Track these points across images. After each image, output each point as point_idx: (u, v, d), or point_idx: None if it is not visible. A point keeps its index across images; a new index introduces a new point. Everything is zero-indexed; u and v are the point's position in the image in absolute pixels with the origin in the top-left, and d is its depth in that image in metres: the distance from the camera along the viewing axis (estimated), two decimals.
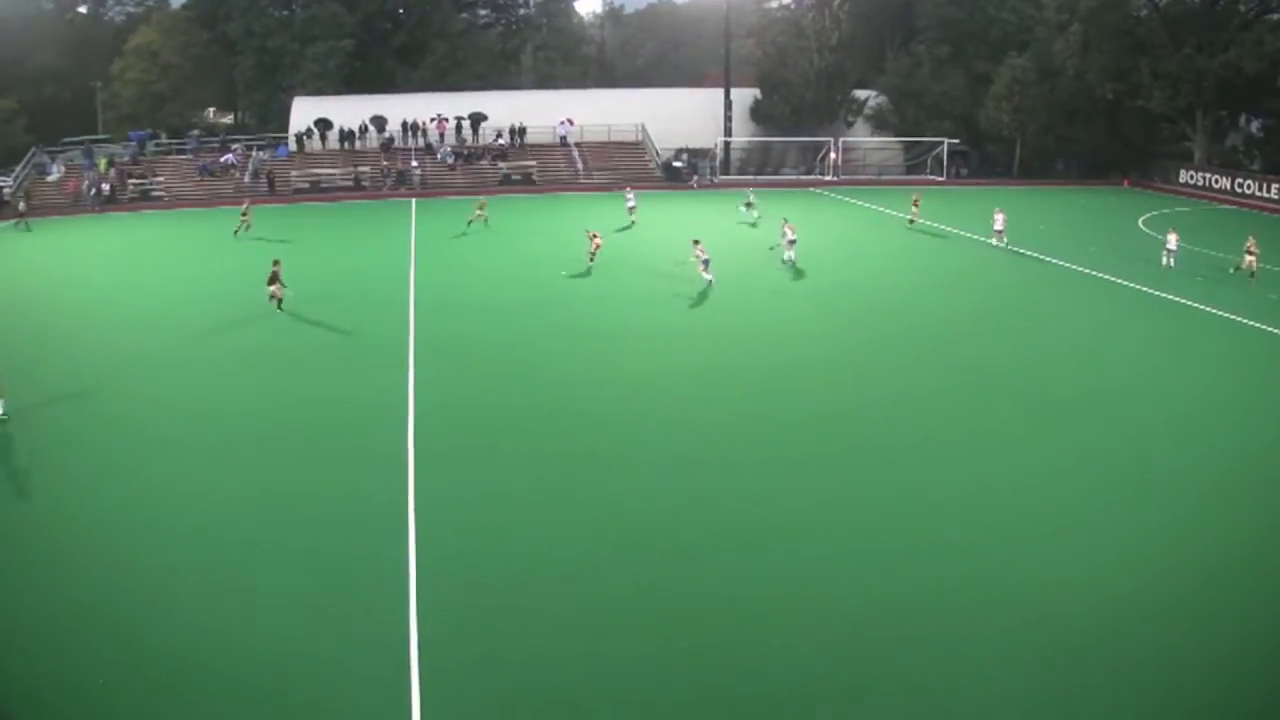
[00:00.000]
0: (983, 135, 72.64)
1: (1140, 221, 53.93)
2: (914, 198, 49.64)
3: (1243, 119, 78.13)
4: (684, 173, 64.68)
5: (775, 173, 67.54)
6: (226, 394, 23.42)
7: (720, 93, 68.04)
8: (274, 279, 30.66)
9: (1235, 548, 16.07)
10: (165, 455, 19.88)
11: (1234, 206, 63.64)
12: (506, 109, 66.00)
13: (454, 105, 66.13)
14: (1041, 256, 41.65)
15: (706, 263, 34.03)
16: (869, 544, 16.14)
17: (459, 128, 65.65)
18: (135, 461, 19.57)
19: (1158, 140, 75.51)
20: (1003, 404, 22.86)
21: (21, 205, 52.17)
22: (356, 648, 13.26)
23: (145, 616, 14.03)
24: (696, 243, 35.22)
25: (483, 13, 71.87)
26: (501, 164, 63.60)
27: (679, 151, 65.75)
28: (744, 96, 69.09)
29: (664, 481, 18.42)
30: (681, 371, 25.22)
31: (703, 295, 33.02)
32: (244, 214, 46.29)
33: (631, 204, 48.36)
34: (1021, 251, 42.33)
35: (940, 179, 68.70)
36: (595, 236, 37.62)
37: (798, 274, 37.45)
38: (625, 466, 19.13)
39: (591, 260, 37.01)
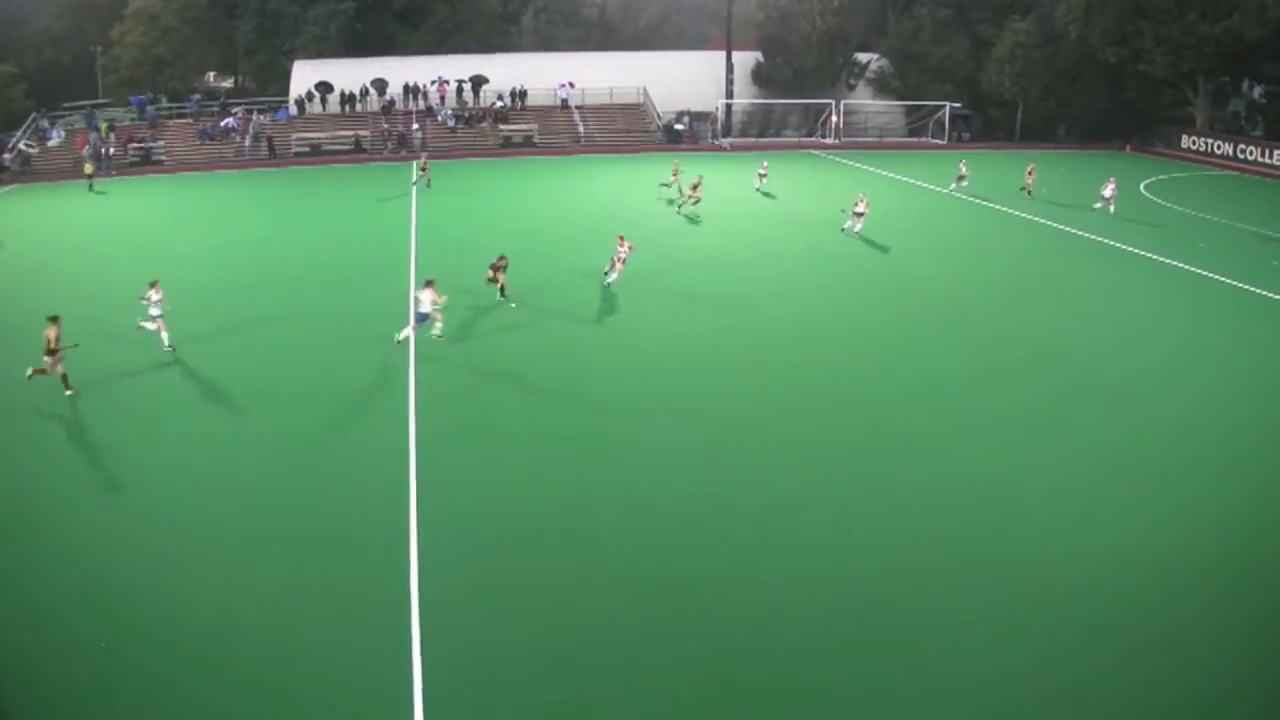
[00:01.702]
0: (985, 99, 72.27)
1: (1142, 186, 53.89)
2: (1028, 168, 48.49)
3: (1245, 85, 77.93)
4: (688, 134, 64.70)
5: (776, 135, 67.35)
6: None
7: (722, 55, 67.87)
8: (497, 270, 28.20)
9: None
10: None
11: (1235, 172, 63.56)
12: (507, 72, 65.85)
13: (455, 68, 65.91)
14: (1047, 221, 41.77)
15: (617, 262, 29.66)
16: (887, 519, 16.04)
17: (460, 90, 65.51)
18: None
19: (1160, 105, 75.14)
20: (1035, 383, 22.25)
21: (88, 168, 53.13)
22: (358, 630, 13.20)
23: (143, 600, 13.88)
24: (621, 240, 30.02)
25: None
26: (502, 126, 63.53)
27: (680, 114, 65.62)
28: (746, 59, 68.96)
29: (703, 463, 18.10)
30: (695, 344, 24.84)
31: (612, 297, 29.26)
32: (423, 168, 48.55)
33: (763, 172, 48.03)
34: (1019, 214, 42.48)
35: (941, 142, 68.59)
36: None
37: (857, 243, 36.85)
38: (647, 451, 18.65)
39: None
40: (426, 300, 23.97)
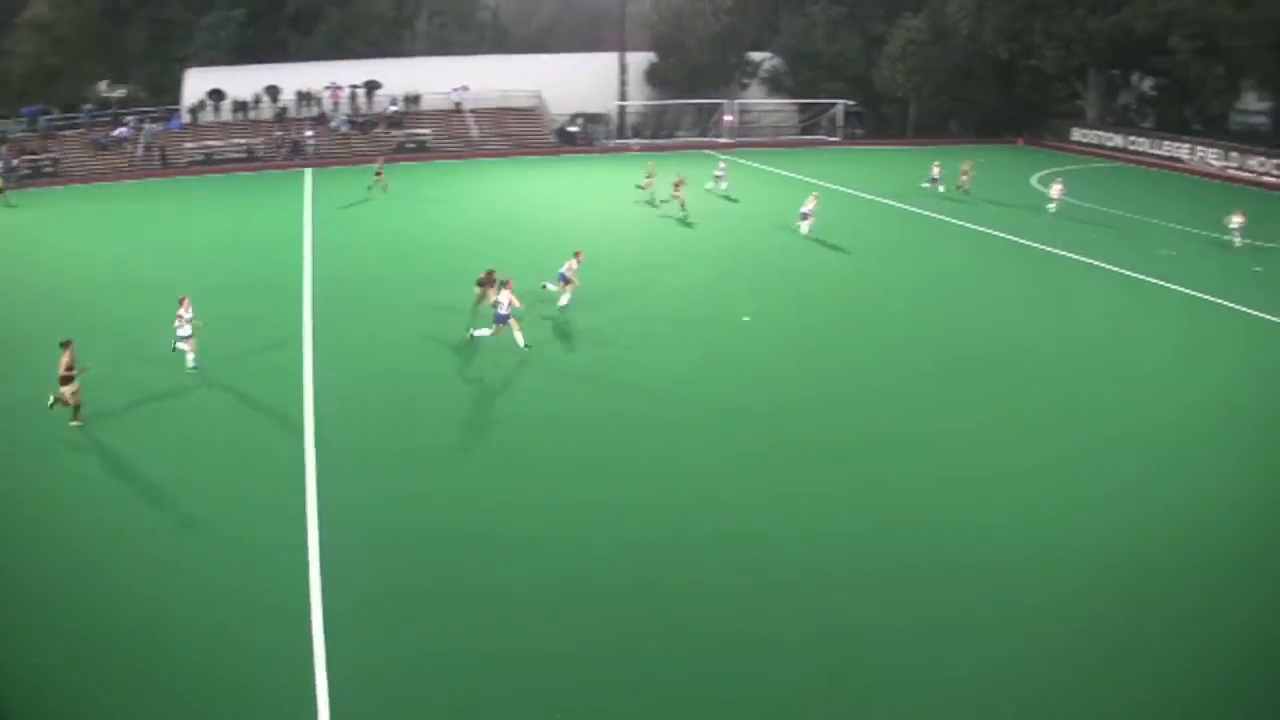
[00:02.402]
0: (878, 96, 73.61)
1: (1034, 179, 55.44)
2: (963, 166, 49.63)
3: (1135, 77, 79.88)
4: (582, 136, 65.18)
5: (670, 136, 67.97)
6: None
7: (616, 57, 68.42)
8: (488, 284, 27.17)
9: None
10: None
11: (1125, 164, 65.22)
12: (401, 76, 65.81)
13: (348, 74, 65.74)
14: (939, 216, 42.92)
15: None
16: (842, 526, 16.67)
17: (354, 96, 65.47)
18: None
19: (1051, 99, 77.19)
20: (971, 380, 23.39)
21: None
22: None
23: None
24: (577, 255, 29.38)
25: None
26: (396, 132, 63.62)
27: (574, 116, 66.07)
28: (640, 60, 69.58)
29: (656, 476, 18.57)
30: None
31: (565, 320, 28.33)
32: (378, 173, 48.34)
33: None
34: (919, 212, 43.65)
35: (835, 140, 69.71)
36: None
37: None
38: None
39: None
40: (505, 301, 24.42)
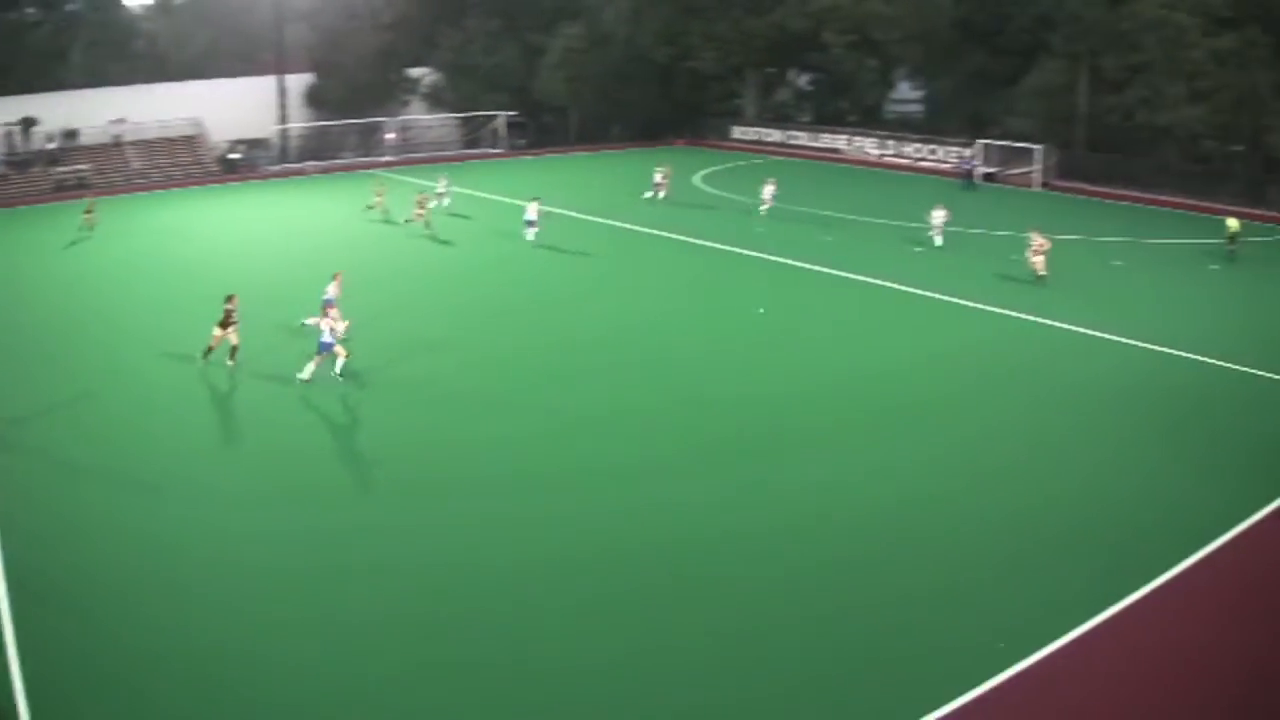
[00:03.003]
0: (539, 105, 77.66)
1: (698, 178, 60.98)
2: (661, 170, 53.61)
3: (792, 74, 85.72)
4: (244, 162, 67.06)
5: (333, 157, 70.58)
6: None
7: (276, 80, 70.42)
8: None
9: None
10: None
11: (786, 157, 71.19)
12: (60, 111, 66.11)
13: (2, 111, 65.73)
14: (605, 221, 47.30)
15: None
16: None
17: (9, 135, 65.59)
18: None
19: (711, 99, 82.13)
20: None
21: None
22: None
23: None
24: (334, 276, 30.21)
25: (30, 10, 70.77)
26: (54, 169, 64.26)
27: (235, 143, 67.84)
28: (300, 82, 71.87)
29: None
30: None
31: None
32: (89, 210, 47.14)
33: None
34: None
35: (498, 151, 73.78)
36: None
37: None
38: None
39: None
40: (326, 329, 25.36)
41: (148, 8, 72.86)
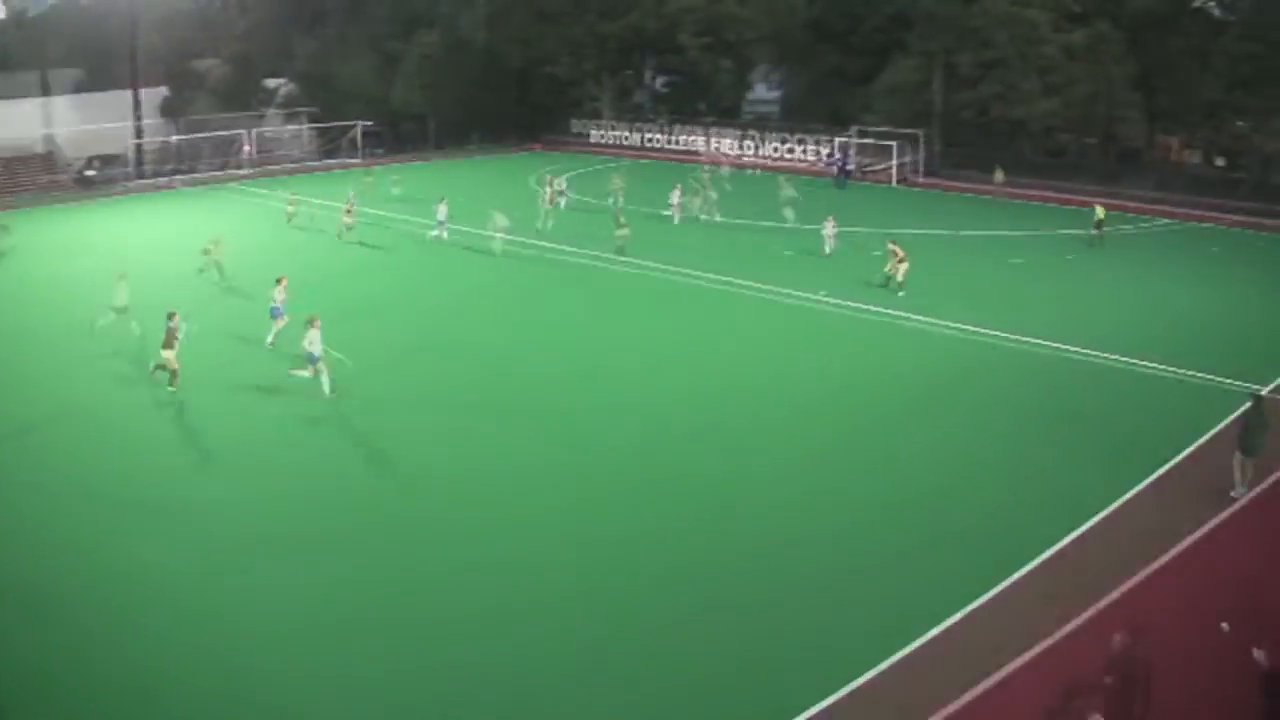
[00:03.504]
0: (397, 114, 78.65)
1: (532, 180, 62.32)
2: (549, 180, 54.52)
3: (649, 76, 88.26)
4: (99, 179, 66.69)
5: (191, 171, 70.31)
6: None
7: (129, 94, 69.72)
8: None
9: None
10: None
11: (645, 160, 73.78)
12: None
13: None
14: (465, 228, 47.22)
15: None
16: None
17: None
18: None
19: (568, 102, 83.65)
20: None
21: None
22: None
23: None
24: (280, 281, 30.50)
25: None
26: None
27: (90, 159, 66.85)
28: (155, 95, 71.69)
29: None
30: None
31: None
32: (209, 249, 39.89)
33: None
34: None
35: (357, 161, 74.66)
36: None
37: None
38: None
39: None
40: (314, 339, 25.72)
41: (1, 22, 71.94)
